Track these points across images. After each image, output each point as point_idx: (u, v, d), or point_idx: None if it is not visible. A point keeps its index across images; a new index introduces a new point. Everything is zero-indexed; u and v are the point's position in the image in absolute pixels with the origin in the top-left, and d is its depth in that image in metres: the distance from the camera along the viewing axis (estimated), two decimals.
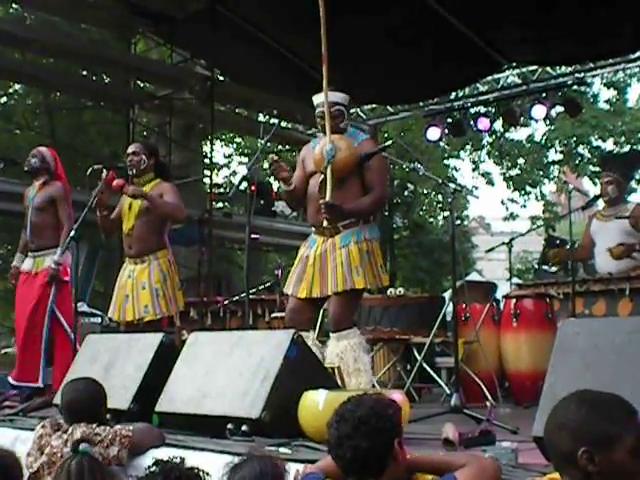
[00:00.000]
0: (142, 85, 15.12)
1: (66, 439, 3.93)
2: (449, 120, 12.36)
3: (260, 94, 13.02)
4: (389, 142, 5.84)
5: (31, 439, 4.23)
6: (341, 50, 5.62)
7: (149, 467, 2.87)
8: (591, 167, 19.59)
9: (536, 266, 9.39)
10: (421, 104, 12.84)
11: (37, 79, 13.35)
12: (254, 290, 9.18)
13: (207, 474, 2.90)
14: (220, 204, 17.21)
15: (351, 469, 2.82)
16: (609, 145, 20.16)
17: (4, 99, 18.20)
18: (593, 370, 3.21)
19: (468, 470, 2.85)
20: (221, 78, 13.02)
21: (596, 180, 17.25)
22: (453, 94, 12.43)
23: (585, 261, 8.11)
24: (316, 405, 4.05)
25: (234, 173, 22.01)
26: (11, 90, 17.91)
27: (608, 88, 20.57)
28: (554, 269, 8.60)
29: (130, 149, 6.66)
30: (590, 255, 7.56)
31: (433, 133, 12.41)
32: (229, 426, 4.23)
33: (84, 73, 16.04)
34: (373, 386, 5.33)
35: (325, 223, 5.34)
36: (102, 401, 4.31)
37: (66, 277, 6.99)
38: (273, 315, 8.83)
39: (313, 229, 5.60)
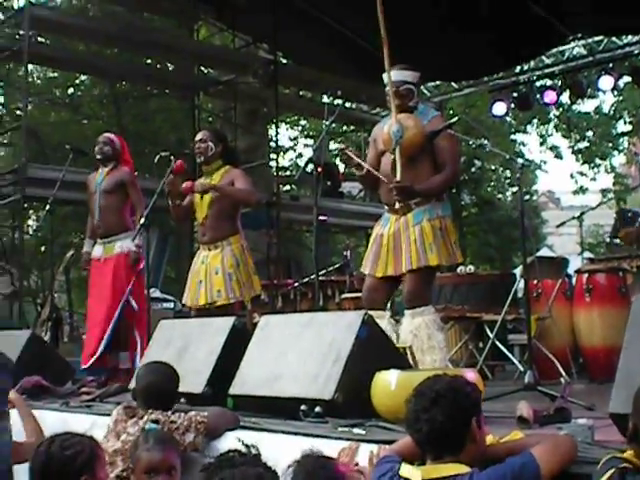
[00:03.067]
0: (206, 71, 15.22)
1: (142, 427, 3.99)
2: (515, 94, 12.22)
3: (323, 75, 13.01)
4: (455, 119, 5.78)
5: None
6: (404, 27, 5.60)
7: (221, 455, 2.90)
8: None
9: (608, 240, 9.22)
10: (485, 79, 12.72)
11: (102, 69, 13.54)
12: (324, 272, 9.20)
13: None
14: (287, 187, 17.28)
15: (427, 443, 2.83)
16: None
17: (71, 90, 18.47)
18: None
19: (544, 446, 2.83)
20: (284, 61, 13.06)
21: None
22: (518, 68, 12.28)
23: None
24: (388, 385, 4.05)
25: (300, 155, 22.08)
26: (77, 81, 18.15)
27: None
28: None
29: (198, 136, 6.70)
30: None
31: (499, 108, 12.28)
32: (302, 407, 4.25)
33: (148, 62, 16.20)
34: (447, 365, 5.29)
35: (397, 205, 5.34)
36: (176, 385, 4.37)
37: (141, 264, 7.07)
38: (343, 296, 8.84)
39: (386, 208, 5.58)
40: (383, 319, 5.18)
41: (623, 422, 2.87)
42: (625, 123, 20.98)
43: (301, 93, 16.07)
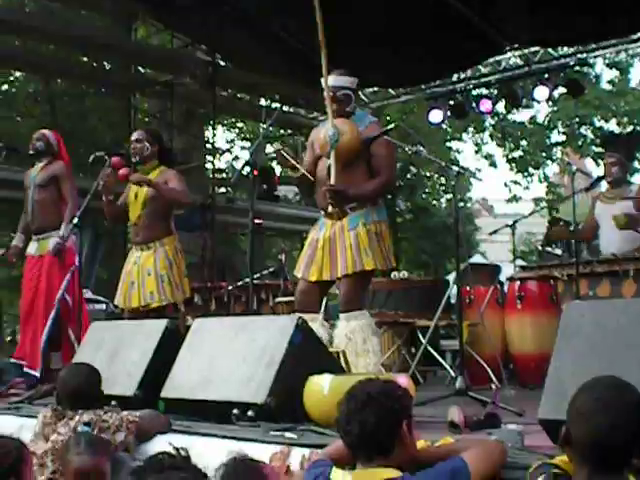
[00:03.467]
0: (143, 71, 15.09)
1: (73, 426, 3.94)
2: (451, 102, 12.33)
3: (262, 79, 12.99)
4: (392, 125, 5.82)
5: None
6: (343, 33, 5.62)
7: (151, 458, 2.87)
8: (594, 148, 19.52)
9: (540, 248, 9.36)
10: (423, 87, 12.81)
11: (38, 66, 13.35)
12: (258, 275, 9.17)
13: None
14: (222, 189, 17.21)
15: (358, 445, 2.84)
16: (612, 126, 20.11)
17: (5, 87, 18.15)
18: (598, 352, 3.21)
19: (474, 451, 2.86)
20: (222, 63, 12.99)
21: (599, 161, 17.17)
22: (455, 76, 12.40)
23: (588, 242, 8.10)
24: (321, 389, 4.06)
25: (236, 158, 21.97)
26: (12, 77, 17.86)
27: (610, 69, 20.50)
28: (558, 251, 8.58)
29: (133, 136, 6.65)
30: (594, 236, 7.56)
31: (435, 115, 12.38)
32: (235, 411, 4.24)
33: (85, 60, 16.00)
34: (379, 369, 5.32)
35: (330, 208, 5.36)
36: (98, 385, 4.32)
37: (74, 262, 6.95)
38: (277, 300, 8.84)
39: (322, 212, 5.60)
40: (315, 322, 5.20)
41: (552, 428, 2.92)
42: (559, 133, 21.27)
43: (239, 95, 16.00)
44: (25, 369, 6.84)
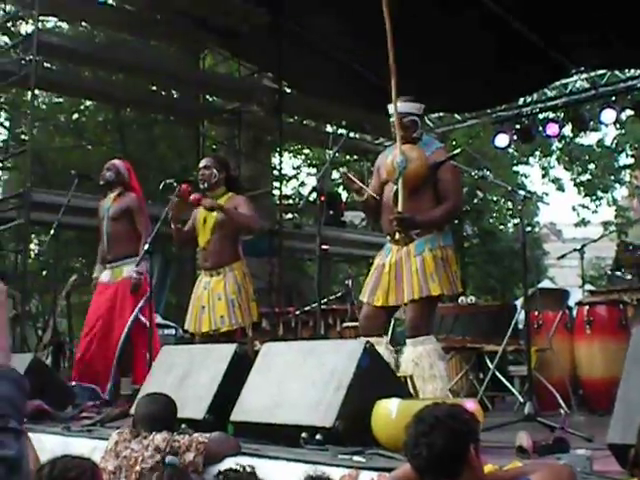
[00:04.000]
0: (211, 99, 15.31)
1: (147, 444, 4.02)
2: (517, 126, 12.30)
3: (328, 105, 13.09)
4: (458, 150, 5.83)
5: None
6: (408, 59, 5.65)
7: (218, 473, 2.95)
8: None
9: (609, 272, 9.24)
10: (489, 111, 12.80)
11: (107, 95, 13.60)
12: (325, 300, 9.21)
13: None
14: (289, 215, 17.34)
15: (426, 468, 2.84)
16: None
17: (76, 115, 18.55)
18: None
19: (542, 474, 2.85)
20: (288, 90, 13.13)
21: None
22: (521, 100, 12.37)
23: None
24: (389, 414, 4.07)
25: (303, 184, 22.15)
26: (82, 107, 18.24)
27: None
28: (628, 276, 8.47)
29: (202, 163, 6.77)
30: None
31: (501, 140, 12.36)
32: (303, 435, 4.27)
33: (153, 88, 16.29)
34: (447, 395, 5.31)
35: (397, 235, 5.39)
36: (174, 412, 4.41)
37: (147, 288, 7.08)
38: (344, 325, 8.86)
39: (388, 237, 5.62)
40: (380, 345, 5.21)
41: (621, 452, 2.90)
42: (627, 156, 21.07)
43: (305, 122, 16.14)
44: (97, 392, 6.97)
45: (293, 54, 10.85)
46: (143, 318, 6.93)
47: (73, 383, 7.10)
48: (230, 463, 3.95)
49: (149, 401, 4.45)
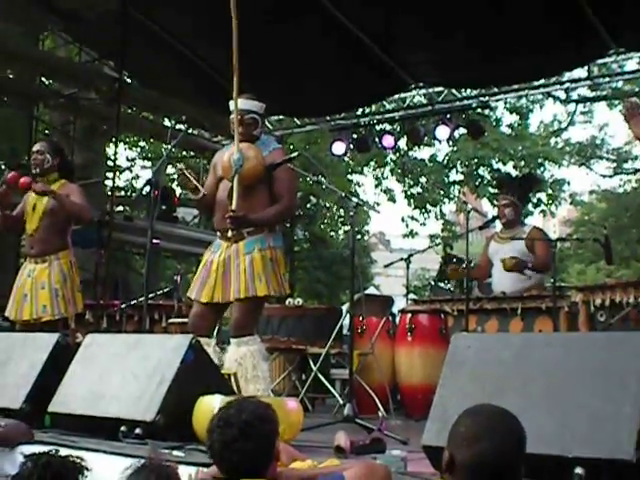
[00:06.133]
0: (48, 82, 14.87)
1: None
2: (354, 135, 12.48)
3: (168, 99, 12.94)
4: (296, 153, 5.91)
5: None
6: (251, 60, 5.67)
7: (24, 461, 2.89)
8: (490, 189, 19.95)
9: (432, 283, 9.53)
10: (328, 118, 12.96)
11: None
12: (152, 295, 9.10)
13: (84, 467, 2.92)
14: (121, 207, 17.04)
15: (238, 472, 2.84)
16: (509, 168, 20.61)
17: None
18: (482, 383, 3.33)
19: (356, 470, 2.92)
20: (129, 80, 12.91)
21: (495, 202, 17.62)
22: (360, 110, 12.58)
23: (481, 280, 8.31)
24: (211, 410, 4.04)
25: (136, 177, 21.80)
26: None
27: (511, 113, 21.12)
28: (450, 287, 8.77)
29: (35, 147, 6.60)
30: (487, 275, 7.77)
31: (338, 147, 12.51)
32: (122, 428, 4.23)
33: None
34: (269, 394, 5.36)
35: (230, 232, 5.40)
36: None
37: None
38: (170, 321, 8.78)
39: (218, 234, 5.63)
40: (209, 346, 5.21)
41: (435, 454, 3.00)
42: (457, 172, 21.69)
43: (143, 114, 15.89)
44: None
45: (137, 44, 10.68)
46: None
47: None
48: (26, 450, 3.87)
49: None
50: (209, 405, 4.12)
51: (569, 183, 21.67)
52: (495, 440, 2.39)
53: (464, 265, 7.31)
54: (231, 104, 5.53)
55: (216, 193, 5.63)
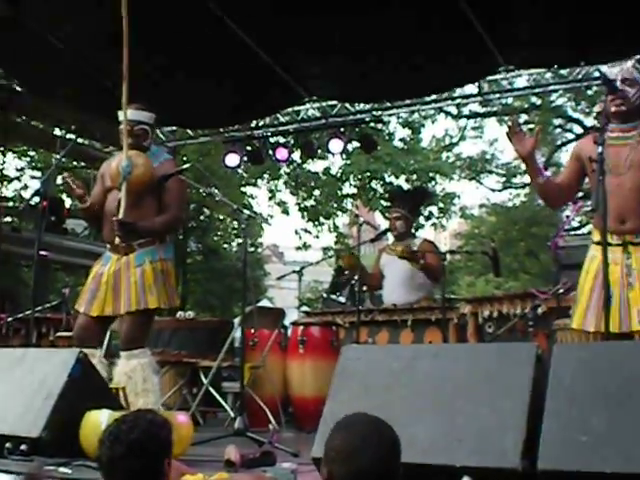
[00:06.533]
0: None
1: None
2: (248, 148, 12.46)
3: (58, 108, 12.70)
4: (187, 165, 5.88)
5: None
6: (143, 70, 5.63)
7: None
8: (383, 202, 20.19)
9: (325, 295, 9.60)
10: (221, 130, 12.91)
11: None
12: (40, 308, 8.91)
13: None
14: (8, 218, 16.65)
15: None
16: (401, 182, 20.90)
17: None
18: (371, 394, 3.35)
19: None
20: (18, 89, 12.63)
21: (387, 215, 17.84)
22: (254, 122, 12.57)
23: (373, 289, 8.38)
24: (99, 425, 4.00)
25: (25, 187, 21.33)
26: None
27: (403, 127, 21.44)
28: (342, 299, 8.84)
29: None
30: (378, 286, 7.85)
31: (232, 160, 12.45)
32: (7, 445, 4.13)
33: None
34: (159, 408, 5.30)
35: (117, 241, 5.33)
36: None
37: None
38: (58, 334, 8.61)
39: (108, 246, 5.55)
40: (94, 358, 5.13)
41: None
42: (351, 186, 21.88)
43: (33, 123, 15.57)
44: None
45: (27, 51, 10.45)
46: None
47: None
48: None
49: None
50: (96, 420, 4.06)
51: (459, 197, 22.09)
52: (369, 451, 2.40)
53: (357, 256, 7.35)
54: (120, 114, 5.47)
55: (104, 204, 5.55)
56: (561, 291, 6.23)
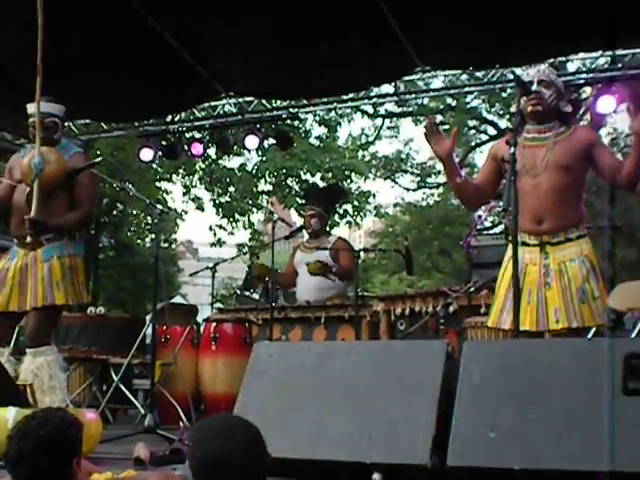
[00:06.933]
0: None
1: None
2: (163, 142, 12.34)
3: None
4: (98, 159, 5.78)
5: None
6: (56, 61, 5.51)
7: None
8: (298, 199, 20.19)
9: (238, 292, 9.55)
10: (136, 124, 12.75)
11: None
12: None
13: None
14: None
15: None
16: (317, 179, 20.92)
17: None
18: (283, 391, 3.34)
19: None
20: None
21: (302, 212, 17.85)
22: (169, 117, 12.44)
23: (286, 288, 8.39)
24: (5, 422, 3.93)
25: None
26: None
27: (320, 125, 21.45)
28: (256, 296, 8.80)
29: None
30: (292, 283, 7.85)
31: (146, 154, 12.29)
32: None
33: None
34: (67, 405, 5.22)
35: (29, 239, 5.23)
36: None
37: None
38: None
39: (15, 241, 5.44)
40: (2, 356, 5.04)
41: None
42: (266, 183, 21.82)
43: None
44: None
45: None
46: None
47: None
48: None
49: None
50: (3, 417, 3.97)
51: (375, 195, 22.14)
52: (235, 456, 2.41)
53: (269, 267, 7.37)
54: (29, 107, 5.38)
55: (12, 197, 5.44)
56: (472, 289, 6.31)
